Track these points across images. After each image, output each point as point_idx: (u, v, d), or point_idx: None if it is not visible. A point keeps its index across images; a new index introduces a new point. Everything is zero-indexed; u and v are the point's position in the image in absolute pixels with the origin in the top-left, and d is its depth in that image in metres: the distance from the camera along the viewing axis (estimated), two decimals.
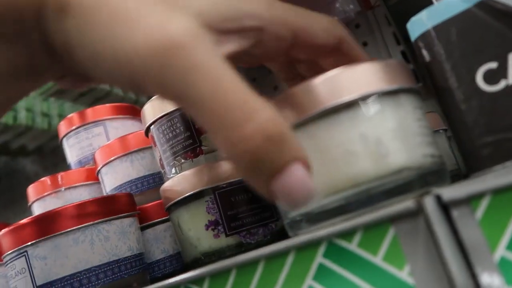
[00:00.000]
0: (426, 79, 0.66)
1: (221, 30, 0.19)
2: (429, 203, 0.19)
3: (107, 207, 0.34)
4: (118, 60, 0.17)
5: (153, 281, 0.32)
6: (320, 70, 0.25)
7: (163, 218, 0.41)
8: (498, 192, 0.18)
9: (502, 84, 0.22)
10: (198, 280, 0.25)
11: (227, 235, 0.33)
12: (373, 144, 0.20)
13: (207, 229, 0.33)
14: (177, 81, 0.16)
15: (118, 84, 0.19)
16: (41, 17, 0.18)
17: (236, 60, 0.21)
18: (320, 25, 0.24)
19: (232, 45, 0.20)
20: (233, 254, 0.32)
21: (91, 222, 0.32)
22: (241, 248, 0.33)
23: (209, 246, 0.33)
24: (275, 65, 0.28)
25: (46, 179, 0.50)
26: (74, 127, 0.54)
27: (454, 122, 0.23)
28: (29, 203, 0.52)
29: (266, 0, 0.21)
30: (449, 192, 0.19)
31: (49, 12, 0.18)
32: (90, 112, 0.54)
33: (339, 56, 0.25)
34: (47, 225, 0.32)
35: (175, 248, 0.41)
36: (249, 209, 0.33)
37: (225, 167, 0.34)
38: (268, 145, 0.16)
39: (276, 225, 0.34)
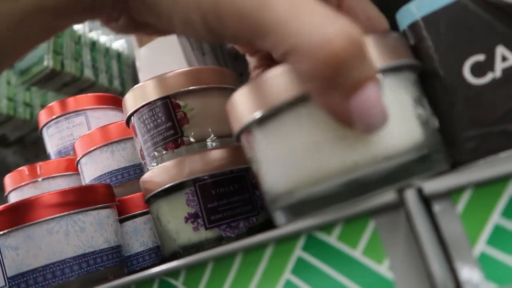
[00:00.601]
0: None
1: None
2: (410, 196, 0.18)
3: (84, 197, 0.33)
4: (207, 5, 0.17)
5: (131, 275, 0.31)
6: None
7: (143, 210, 0.40)
8: (479, 185, 0.17)
9: (488, 77, 0.21)
10: (174, 272, 0.24)
11: (206, 228, 0.32)
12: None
13: (186, 222, 0.32)
14: (255, 6, 0.17)
15: (189, 28, 0.19)
16: None
17: None
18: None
19: None
20: (212, 247, 0.31)
21: (67, 212, 0.31)
22: (221, 242, 0.32)
23: (188, 239, 0.32)
24: None
25: (24, 169, 0.49)
26: (54, 116, 0.53)
27: (440, 114, 0.23)
28: (6, 193, 0.50)
29: None
30: (431, 185, 0.18)
31: None
32: (71, 101, 0.53)
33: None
34: (20, 215, 0.31)
35: (155, 241, 0.40)
36: (230, 202, 0.33)
37: (207, 158, 0.33)
38: (352, 50, 0.16)
39: (257, 219, 0.33)
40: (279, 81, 0.20)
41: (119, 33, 0.25)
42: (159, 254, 0.40)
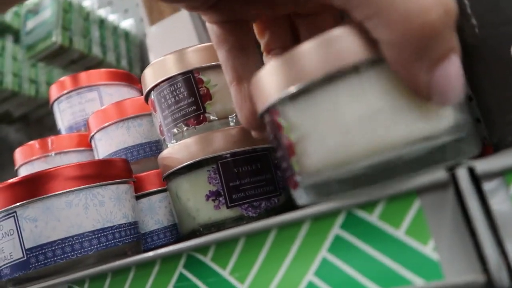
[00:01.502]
0: None
1: None
2: (462, 175, 0.17)
3: (103, 171, 0.32)
4: None
5: (150, 251, 0.30)
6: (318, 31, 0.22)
7: (159, 188, 0.40)
8: None
9: None
10: (203, 248, 0.23)
11: (228, 207, 0.31)
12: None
13: (207, 200, 0.32)
14: None
15: None
16: None
17: None
18: None
19: None
20: (233, 226, 0.31)
21: (86, 186, 0.31)
22: (242, 221, 0.31)
23: (209, 217, 0.32)
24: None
25: (35, 143, 0.48)
26: (66, 91, 0.52)
27: (484, 94, 0.22)
28: (16, 167, 0.49)
29: None
30: (483, 164, 0.17)
31: None
32: (84, 76, 0.51)
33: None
34: (39, 186, 0.30)
35: (170, 220, 0.40)
36: (252, 182, 0.32)
37: (230, 136, 0.32)
38: (447, 20, 0.16)
39: (278, 199, 0.33)
40: (319, 53, 0.19)
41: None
42: (174, 233, 0.39)
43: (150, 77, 0.35)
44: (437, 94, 0.17)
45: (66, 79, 0.52)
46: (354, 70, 0.18)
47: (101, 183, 0.31)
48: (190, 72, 0.33)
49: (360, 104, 0.18)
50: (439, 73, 0.16)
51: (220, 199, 0.32)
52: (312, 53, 0.19)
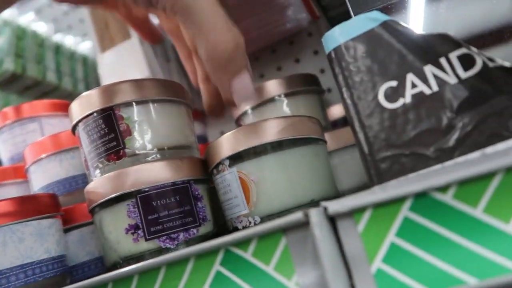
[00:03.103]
0: None
1: None
2: (315, 215, 0.19)
3: (24, 208, 0.33)
4: None
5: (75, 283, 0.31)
6: None
7: (90, 220, 0.40)
8: (378, 206, 0.19)
9: (400, 102, 0.23)
10: (102, 285, 0.24)
11: (146, 240, 0.32)
12: None
13: (127, 233, 0.33)
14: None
15: None
16: None
17: None
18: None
19: None
20: (151, 259, 0.32)
21: (5, 224, 0.31)
22: (160, 253, 0.32)
23: (129, 250, 0.33)
24: None
25: None
26: (8, 122, 0.52)
27: (358, 135, 0.24)
28: None
29: None
30: (335, 205, 0.19)
31: None
32: (26, 107, 0.52)
33: None
34: None
35: (101, 251, 0.40)
36: (171, 214, 0.33)
37: (149, 170, 0.33)
38: (238, 50, 0.26)
39: (198, 230, 0.34)
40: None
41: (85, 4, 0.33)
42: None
43: (76, 111, 0.36)
44: (237, 96, 0.27)
45: (9, 110, 0.53)
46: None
47: (20, 220, 0.32)
48: (111, 108, 0.34)
49: None
50: (236, 81, 0.27)
51: (139, 232, 0.33)
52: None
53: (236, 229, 0.31)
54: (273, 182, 0.28)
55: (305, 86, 0.46)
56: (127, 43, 0.71)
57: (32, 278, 0.32)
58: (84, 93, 0.36)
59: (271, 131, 0.29)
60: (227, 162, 0.31)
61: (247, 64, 0.27)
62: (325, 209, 0.19)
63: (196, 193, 0.35)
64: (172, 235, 0.33)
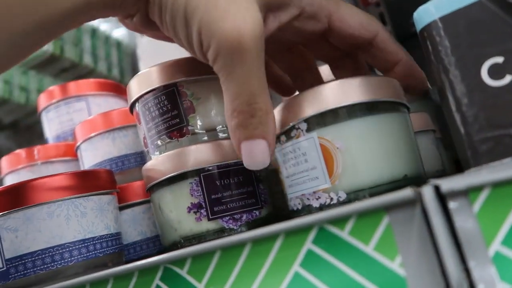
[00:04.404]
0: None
1: (273, 5, 0.27)
2: (427, 193, 0.18)
3: (86, 182, 0.32)
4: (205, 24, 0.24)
5: (130, 263, 0.30)
6: (357, 65, 0.33)
7: (142, 199, 0.40)
8: (497, 185, 0.17)
9: (507, 79, 0.21)
10: (179, 261, 0.24)
11: (209, 219, 0.32)
12: None
13: (189, 212, 0.32)
14: (229, 61, 0.25)
15: (183, 36, 0.26)
16: None
17: (282, 33, 0.29)
18: (356, 18, 0.29)
19: (277, 20, 0.27)
20: (213, 239, 0.31)
21: (68, 197, 0.31)
22: (222, 234, 0.32)
23: (190, 229, 0.32)
24: (315, 51, 0.34)
25: (21, 152, 0.48)
26: (55, 101, 0.52)
27: (453, 116, 0.23)
28: (2, 176, 0.49)
29: None
30: (448, 183, 0.18)
31: None
32: (72, 86, 0.52)
33: (376, 51, 0.30)
34: (20, 196, 0.30)
35: (153, 231, 0.40)
36: (234, 194, 0.32)
37: (212, 149, 0.33)
38: (251, 119, 0.25)
39: (260, 212, 0.33)
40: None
41: (136, 31, 0.30)
42: (157, 244, 0.40)
43: (135, 88, 0.36)
44: (243, 158, 0.26)
45: (54, 88, 0.52)
46: None
47: (83, 194, 0.31)
48: (174, 84, 0.34)
49: None
50: (243, 146, 0.25)
51: (202, 211, 0.32)
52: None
53: (307, 208, 0.27)
54: (364, 152, 0.24)
55: None
56: None
57: (93, 254, 0.31)
58: (143, 71, 0.35)
59: (365, 90, 0.25)
60: (304, 126, 0.27)
61: (263, 131, 0.25)
62: (437, 187, 0.18)
63: (258, 174, 0.34)
64: (235, 216, 0.32)
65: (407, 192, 0.18)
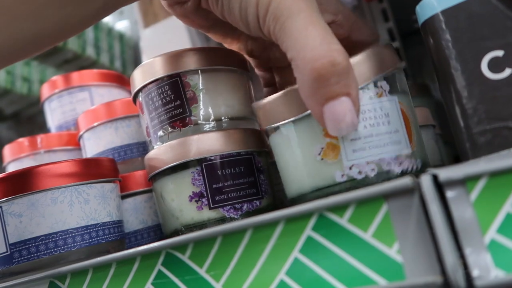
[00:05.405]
0: (415, 76, 0.66)
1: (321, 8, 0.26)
2: (426, 182, 0.18)
3: (89, 170, 0.33)
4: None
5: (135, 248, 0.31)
6: None
7: (144, 188, 0.40)
8: (494, 174, 0.18)
9: (506, 73, 0.22)
10: (181, 246, 0.24)
11: (210, 208, 0.32)
12: None
13: (190, 201, 0.33)
14: (289, 14, 0.22)
15: (243, 19, 0.25)
16: None
17: None
18: (366, 27, 0.31)
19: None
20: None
21: (72, 184, 0.31)
22: (223, 223, 0.32)
23: (191, 218, 0.33)
24: None
25: (24, 140, 0.48)
26: (57, 90, 0.52)
27: (453, 108, 0.23)
28: (4, 164, 0.50)
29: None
30: (446, 172, 0.18)
31: None
32: (75, 76, 0.52)
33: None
34: (25, 182, 0.31)
35: (154, 220, 0.40)
36: (235, 184, 0.33)
37: (214, 139, 0.33)
38: (332, 70, 0.21)
39: (260, 202, 0.33)
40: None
41: (179, 17, 0.30)
42: (158, 233, 0.40)
43: (138, 78, 0.36)
44: (328, 124, 0.22)
45: (57, 78, 0.53)
46: None
47: (86, 181, 0.32)
48: (178, 75, 0.34)
49: None
50: (326, 109, 0.21)
51: (203, 200, 0.32)
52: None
53: (385, 174, 0.24)
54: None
55: None
56: (171, 20, 0.70)
57: (95, 240, 0.32)
58: (147, 61, 0.36)
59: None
60: (386, 87, 0.25)
61: (347, 86, 0.21)
62: (435, 176, 0.19)
63: (259, 165, 0.34)
64: (236, 205, 0.32)
65: (405, 181, 0.19)
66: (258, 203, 0.33)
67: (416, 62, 0.65)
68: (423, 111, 0.43)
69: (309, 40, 0.21)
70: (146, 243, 0.40)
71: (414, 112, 0.27)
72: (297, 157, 0.26)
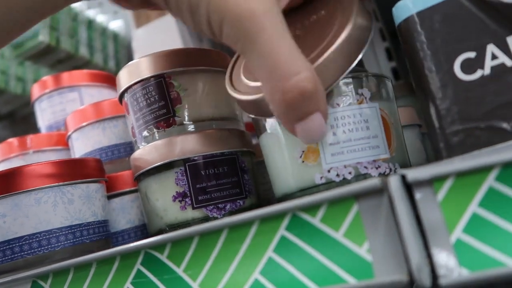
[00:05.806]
0: (407, 76, 0.66)
1: None
2: (394, 182, 0.19)
3: (73, 170, 0.33)
4: (214, 7, 0.22)
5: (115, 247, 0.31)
6: None
7: (131, 188, 0.41)
8: (460, 175, 0.18)
9: (478, 74, 0.22)
10: (159, 246, 0.24)
11: (194, 208, 0.32)
12: None
13: (174, 201, 0.33)
14: (248, 37, 0.22)
15: (193, 18, 0.23)
16: None
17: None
18: None
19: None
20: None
21: (56, 184, 0.32)
22: (206, 222, 0.32)
23: (175, 217, 0.33)
24: None
25: (14, 140, 0.49)
26: (48, 91, 0.53)
27: (428, 109, 0.23)
28: None
29: None
30: (414, 172, 0.19)
31: None
32: (65, 76, 0.52)
33: None
34: (9, 183, 0.31)
35: (141, 219, 0.40)
36: (219, 184, 0.33)
37: (198, 139, 0.33)
38: (302, 99, 0.22)
39: (244, 202, 0.34)
40: None
41: (129, 9, 0.29)
42: (145, 232, 0.40)
43: (124, 78, 0.36)
44: (301, 138, 0.23)
45: (48, 78, 0.53)
46: None
47: (70, 181, 0.32)
48: (162, 76, 0.34)
49: None
50: (299, 127, 0.22)
51: (187, 200, 0.33)
52: None
53: (361, 177, 0.25)
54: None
55: None
56: (163, 20, 0.71)
57: (79, 240, 0.32)
58: (133, 61, 0.36)
59: None
60: (368, 94, 0.26)
61: (318, 103, 0.22)
62: (403, 176, 0.19)
63: (243, 165, 0.35)
64: (220, 205, 0.33)
65: (374, 181, 0.19)
66: (241, 202, 0.33)
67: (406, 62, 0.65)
68: (409, 111, 0.44)
69: (276, 66, 0.21)
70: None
71: (397, 118, 0.28)
72: (283, 158, 0.27)
